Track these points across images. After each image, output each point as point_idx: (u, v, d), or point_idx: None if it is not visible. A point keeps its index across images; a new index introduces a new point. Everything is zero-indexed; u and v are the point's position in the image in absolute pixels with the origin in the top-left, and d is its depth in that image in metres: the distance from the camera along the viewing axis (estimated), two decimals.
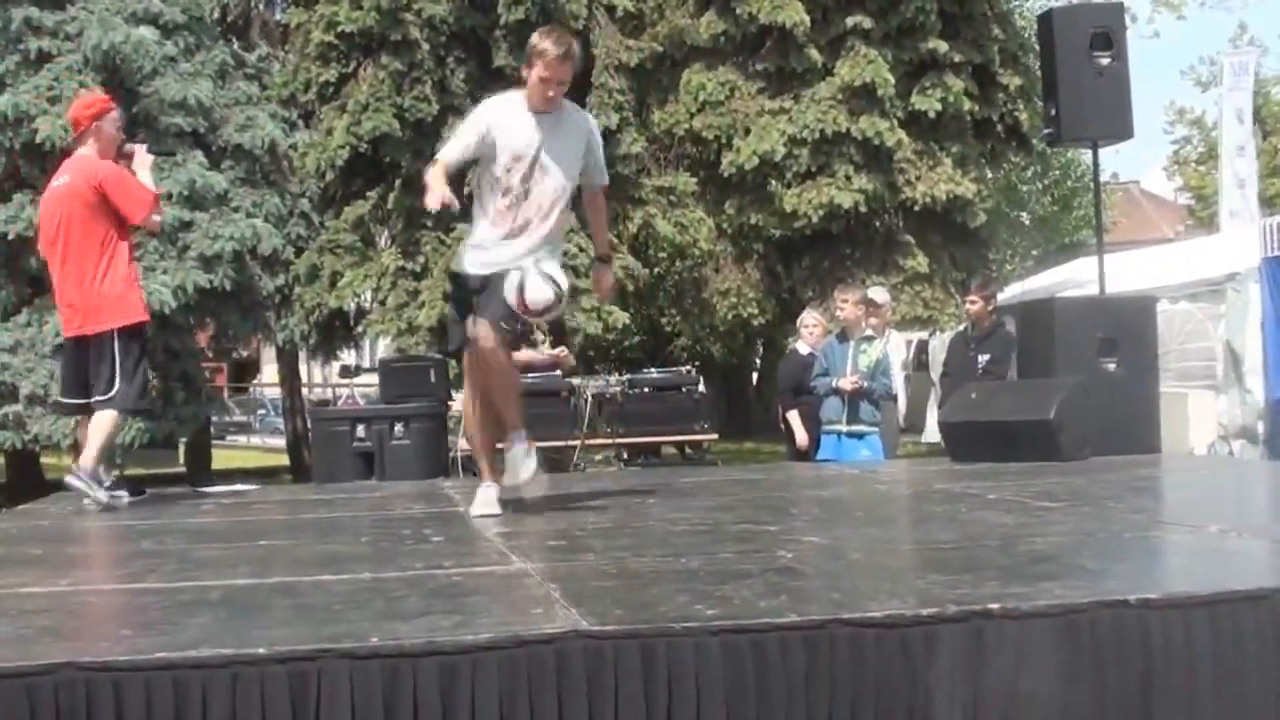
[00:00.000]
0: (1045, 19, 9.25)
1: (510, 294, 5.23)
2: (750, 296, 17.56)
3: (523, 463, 5.40)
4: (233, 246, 14.36)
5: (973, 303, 9.99)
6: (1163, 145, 47.78)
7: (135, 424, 14.08)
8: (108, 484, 6.46)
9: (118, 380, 6.38)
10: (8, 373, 13.52)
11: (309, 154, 15.17)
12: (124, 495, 6.50)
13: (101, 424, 6.42)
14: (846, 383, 8.58)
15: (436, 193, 5.20)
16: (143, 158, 6.71)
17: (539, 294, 5.24)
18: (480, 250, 5.51)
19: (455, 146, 5.54)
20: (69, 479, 6.39)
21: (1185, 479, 7.27)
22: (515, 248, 5.40)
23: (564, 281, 5.34)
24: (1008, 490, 5.93)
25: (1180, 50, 67.39)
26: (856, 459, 8.52)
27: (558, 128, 5.49)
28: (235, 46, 17.52)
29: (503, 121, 5.44)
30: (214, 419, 19.02)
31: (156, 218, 6.76)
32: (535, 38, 5.47)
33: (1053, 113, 8.90)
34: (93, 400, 6.47)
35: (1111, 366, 8.11)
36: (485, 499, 5.50)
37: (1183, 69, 59.52)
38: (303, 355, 21.47)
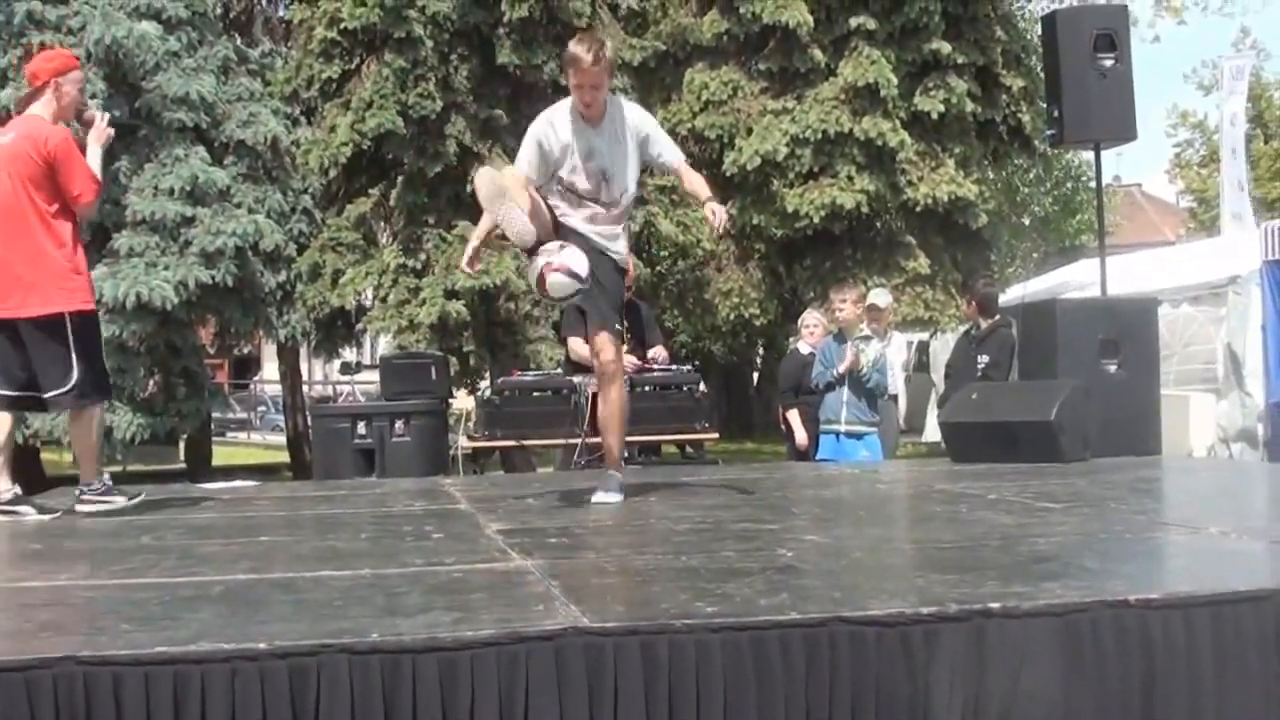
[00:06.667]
0: (1049, 21, 9.25)
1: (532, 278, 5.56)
2: (752, 296, 17.54)
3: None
4: (234, 242, 14.39)
5: (966, 304, 10.18)
6: (1165, 148, 47.75)
7: (137, 419, 14.09)
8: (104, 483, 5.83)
9: (75, 367, 5.57)
10: None
11: (311, 150, 15.14)
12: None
13: (86, 425, 5.77)
14: (843, 364, 8.45)
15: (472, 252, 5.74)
16: (99, 129, 5.80)
17: (560, 285, 5.47)
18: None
19: (523, 161, 5.77)
20: (85, 507, 5.70)
21: (1186, 481, 7.26)
22: (591, 236, 5.71)
23: (584, 270, 5.49)
24: (1008, 491, 5.93)
25: (1183, 53, 67.48)
26: (856, 459, 8.50)
27: (607, 130, 5.73)
28: (238, 42, 17.53)
29: (555, 133, 5.68)
30: (214, 416, 18.99)
31: (86, 204, 5.73)
32: (570, 46, 5.67)
33: (1055, 114, 8.91)
34: (47, 395, 5.65)
35: (1113, 368, 8.13)
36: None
37: (1185, 72, 59.56)
38: (304, 352, 21.45)
